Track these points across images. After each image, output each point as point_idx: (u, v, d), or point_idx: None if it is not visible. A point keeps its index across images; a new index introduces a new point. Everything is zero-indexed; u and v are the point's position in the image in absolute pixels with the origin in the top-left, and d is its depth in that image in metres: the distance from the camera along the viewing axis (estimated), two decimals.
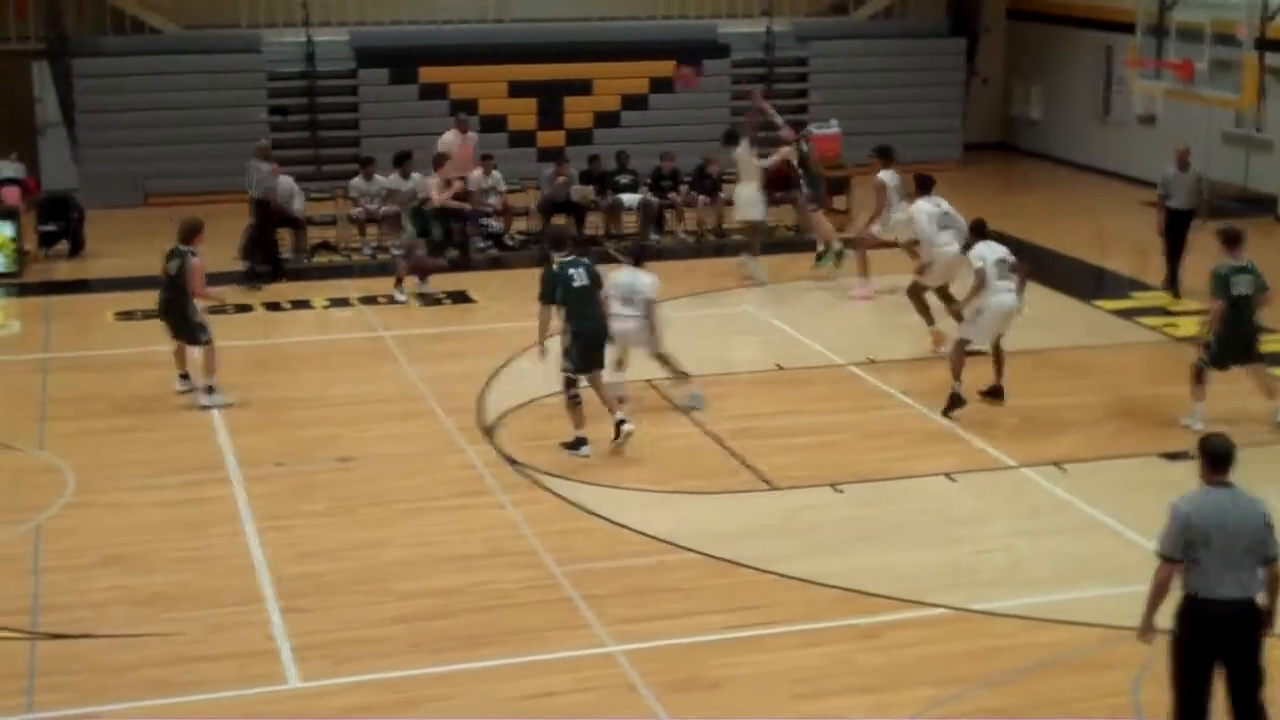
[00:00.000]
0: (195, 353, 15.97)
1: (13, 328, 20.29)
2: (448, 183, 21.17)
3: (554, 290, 14.26)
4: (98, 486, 13.76)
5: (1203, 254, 17.91)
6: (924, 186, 17.74)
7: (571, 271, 14.31)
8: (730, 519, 13.02)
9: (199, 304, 16.06)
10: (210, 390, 15.80)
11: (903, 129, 28.66)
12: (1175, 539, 8.49)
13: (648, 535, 12.57)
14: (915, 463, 14.14)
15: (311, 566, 12.08)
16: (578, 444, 14.33)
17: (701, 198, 24.01)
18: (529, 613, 11.31)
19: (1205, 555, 8.42)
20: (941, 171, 27.55)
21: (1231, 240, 14.78)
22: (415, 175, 22.29)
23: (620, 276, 15.28)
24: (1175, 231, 19.88)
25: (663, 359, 15.46)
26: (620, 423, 14.34)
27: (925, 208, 17.46)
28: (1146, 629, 8.74)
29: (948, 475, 13.84)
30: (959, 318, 16.20)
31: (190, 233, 16.15)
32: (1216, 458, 8.62)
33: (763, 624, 11.09)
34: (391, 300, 19.88)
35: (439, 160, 21.68)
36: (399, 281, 19.96)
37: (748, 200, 21.08)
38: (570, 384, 14.35)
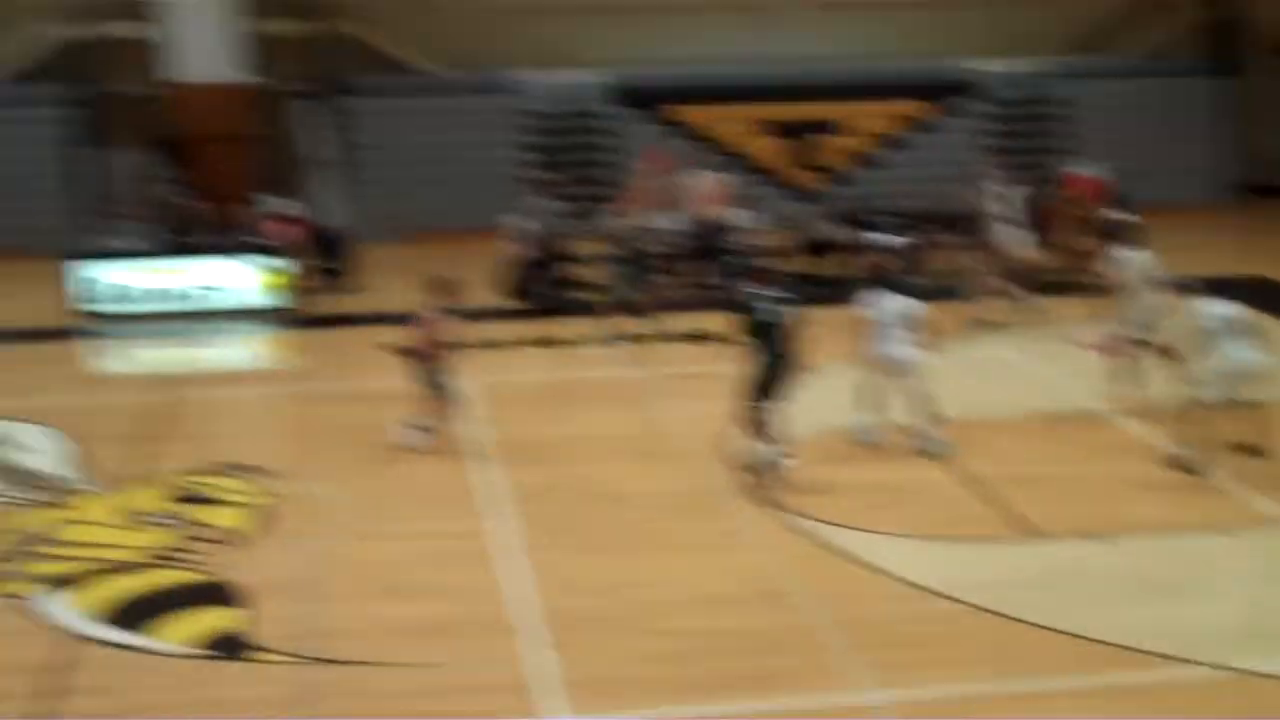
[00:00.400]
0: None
1: (290, 361, 21.00)
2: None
3: (749, 328, 14.71)
4: (371, 517, 14.14)
5: None
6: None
7: (767, 310, 14.68)
8: (993, 567, 12.83)
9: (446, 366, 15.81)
10: (422, 429, 15.76)
11: (1166, 169, 28.13)
12: None
13: (910, 582, 12.45)
14: (1188, 515, 13.77)
15: (576, 602, 12.21)
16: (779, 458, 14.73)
17: (959, 239, 23.74)
18: (789, 657, 11.26)
19: None
20: (1207, 214, 26.96)
21: None
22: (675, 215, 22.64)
23: (893, 303, 15.42)
24: None
25: (921, 395, 15.44)
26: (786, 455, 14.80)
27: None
28: None
29: (1223, 530, 13.45)
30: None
31: (440, 289, 16.00)
32: None
33: (1028, 677, 10.90)
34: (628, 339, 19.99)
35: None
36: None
37: (1015, 239, 20.77)
38: (758, 410, 14.67)
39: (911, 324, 15.40)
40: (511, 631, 11.71)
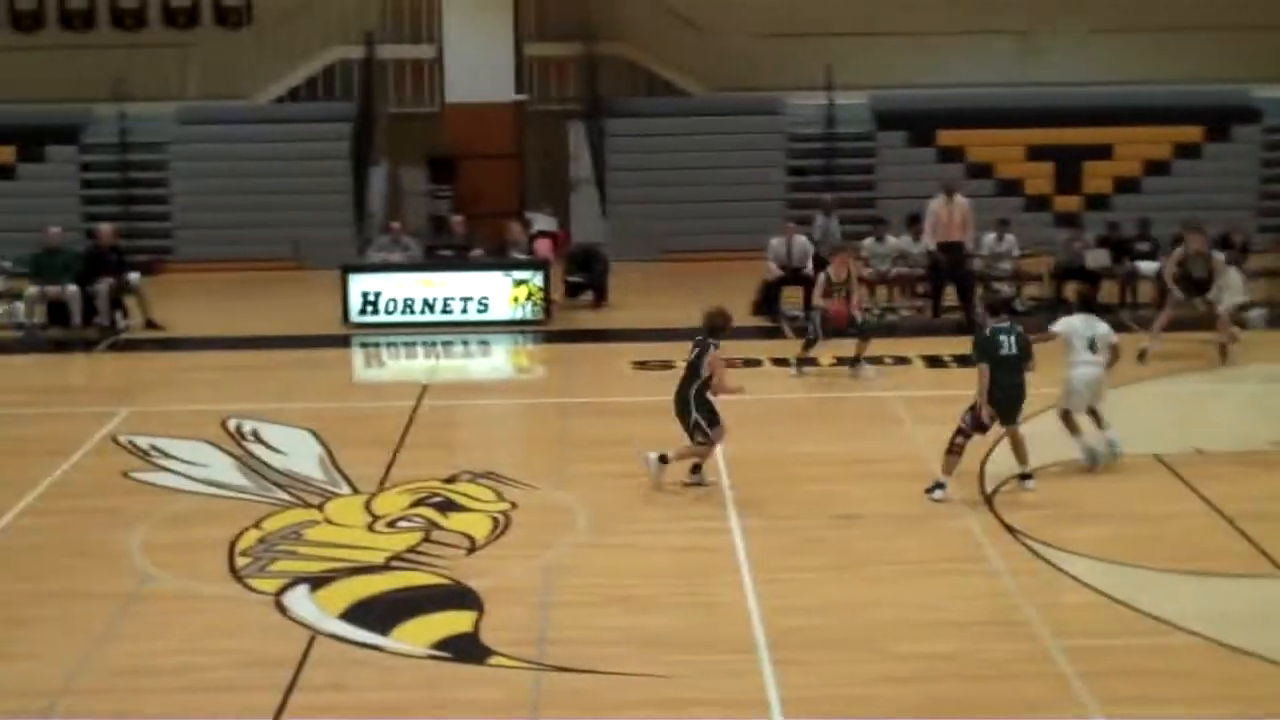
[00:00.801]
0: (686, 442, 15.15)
1: (537, 372, 21.44)
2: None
3: (984, 354, 14.80)
4: (608, 528, 14.34)
5: None
6: None
7: (1002, 338, 14.76)
8: (1240, 604, 12.43)
9: (712, 398, 15.15)
10: (663, 460, 15.10)
11: None
12: None
13: (1148, 614, 12.14)
14: None
15: (806, 620, 12.20)
16: (936, 487, 14.83)
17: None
18: (1021, 685, 11.08)
19: None
20: None
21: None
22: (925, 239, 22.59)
23: (1079, 322, 15.63)
24: None
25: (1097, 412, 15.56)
26: (1025, 476, 14.90)
27: None
28: None
29: None
30: None
31: (713, 321, 15.18)
32: None
33: (1265, 716, 10.55)
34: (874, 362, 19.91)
35: (913, 221, 22.13)
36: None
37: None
38: (963, 436, 14.79)
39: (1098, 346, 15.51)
40: (741, 647, 11.74)
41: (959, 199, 22.49)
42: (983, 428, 14.85)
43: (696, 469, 15.26)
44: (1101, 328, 15.64)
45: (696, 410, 14.90)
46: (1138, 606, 12.29)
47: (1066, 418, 15.64)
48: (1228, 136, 27.63)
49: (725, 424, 15.10)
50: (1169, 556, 13.38)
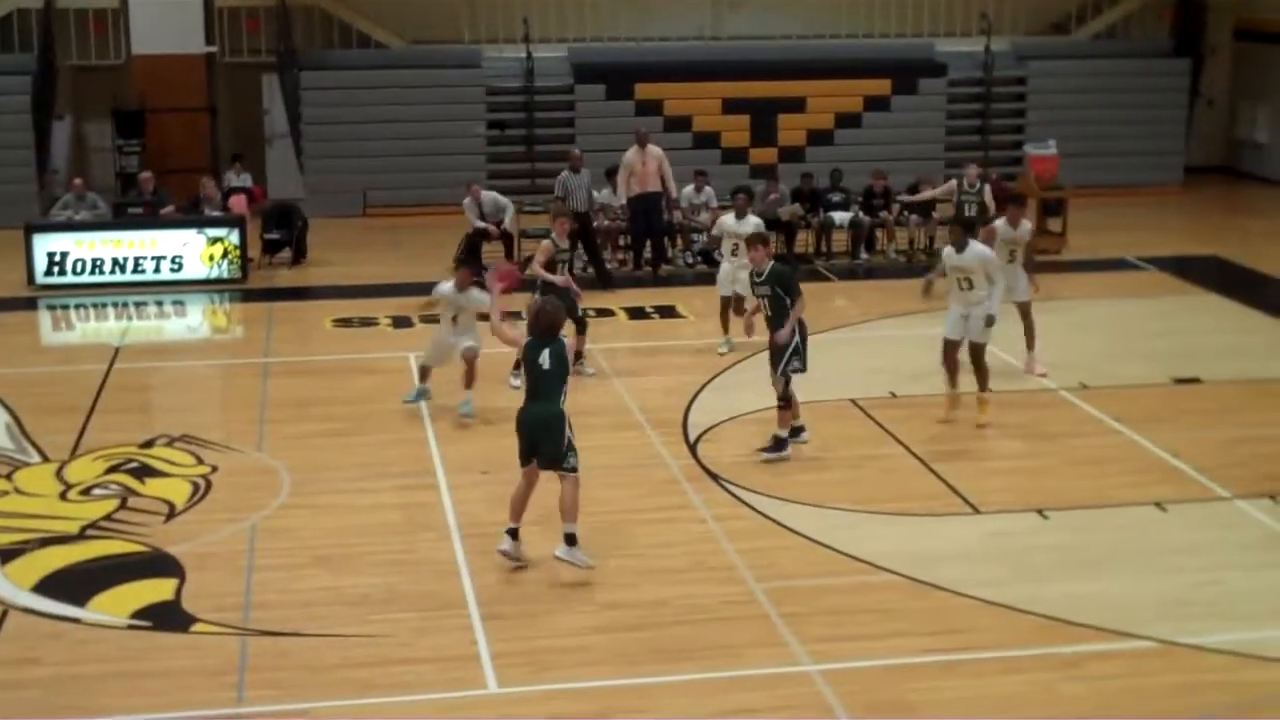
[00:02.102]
0: (561, 486, 12.21)
1: (235, 332, 20.97)
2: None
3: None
4: (311, 488, 14.12)
5: None
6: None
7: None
8: (933, 542, 12.88)
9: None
10: (571, 541, 12.17)
11: (1122, 150, 28.24)
12: None
13: (848, 555, 12.50)
14: (1125, 491, 13.85)
15: (514, 574, 12.23)
16: (797, 432, 14.74)
17: (913, 217, 23.82)
18: (728, 629, 11.32)
19: None
20: (1162, 195, 27.13)
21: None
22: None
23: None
24: None
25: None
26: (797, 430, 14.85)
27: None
28: None
29: (1159, 505, 13.54)
30: None
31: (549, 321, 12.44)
32: None
33: (963, 649, 10.95)
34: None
35: (611, 174, 22.37)
36: None
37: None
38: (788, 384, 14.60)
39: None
40: (451, 603, 11.73)
41: (652, 149, 22.64)
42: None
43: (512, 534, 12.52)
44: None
45: (570, 426, 12.26)
46: (837, 547, 12.65)
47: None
48: (915, 89, 28.40)
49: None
50: (866, 498, 13.79)
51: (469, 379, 15.94)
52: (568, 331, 14.68)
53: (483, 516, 13.40)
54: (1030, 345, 17.33)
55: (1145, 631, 11.16)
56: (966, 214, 21.44)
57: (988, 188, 22.56)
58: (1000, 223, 17.62)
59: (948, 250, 15.68)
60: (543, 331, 12.21)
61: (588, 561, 12.08)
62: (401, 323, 19.95)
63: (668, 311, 20.63)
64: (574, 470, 12.12)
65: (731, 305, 18.38)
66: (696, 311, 20.44)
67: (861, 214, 23.75)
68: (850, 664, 10.75)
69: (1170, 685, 10.44)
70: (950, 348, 15.70)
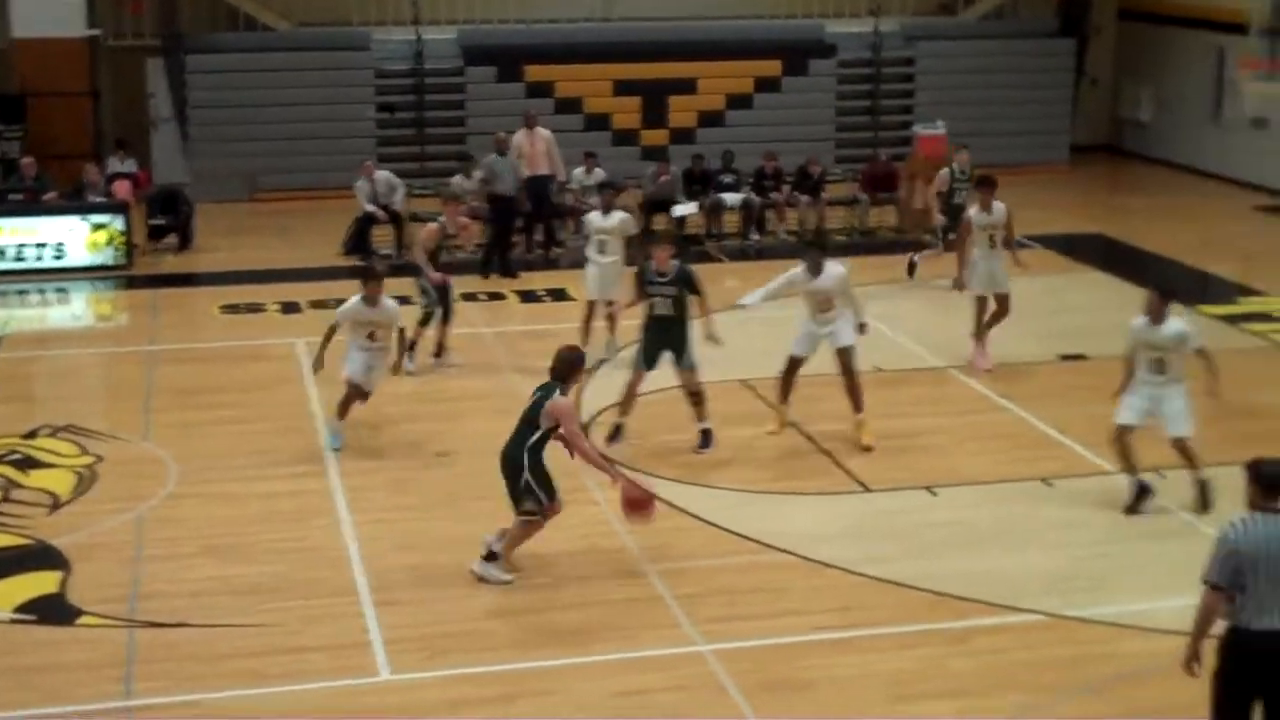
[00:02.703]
0: (512, 520, 11.88)
1: (120, 320, 20.67)
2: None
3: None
4: (199, 477, 13.96)
5: None
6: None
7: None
8: (823, 521, 12.97)
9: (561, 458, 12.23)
10: (491, 557, 11.85)
11: (1009, 130, 28.51)
12: (1222, 566, 8.18)
13: (740, 535, 12.56)
14: (1012, 467, 14.02)
15: (407, 560, 12.18)
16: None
17: (804, 198, 23.94)
18: (622, 611, 11.34)
19: (1252, 584, 8.10)
20: (1048, 174, 27.44)
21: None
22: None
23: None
24: None
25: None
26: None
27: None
28: (1191, 659, 8.42)
29: (1044, 480, 13.71)
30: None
31: (566, 367, 11.83)
32: (1270, 482, 8.29)
33: (854, 626, 11.06)
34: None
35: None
36: None
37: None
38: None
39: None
40: (341, 590, 11.67)
41: (540, 130, 22.57)
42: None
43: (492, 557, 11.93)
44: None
45: (529, 470, 11.66)
46: (729, 528, 12.71)
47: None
48: (805, 70, 28.49)
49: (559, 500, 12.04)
50: (758, 479, 13.86)
51: (343, 408, 14.69)
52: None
53: (375, 502, 13.33)
54: (982, 330, 16.96)
55: (1033, 605, 11.32)
56: (955, 201, 20.23)
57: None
58: (973, 210, 17.29)
59: (796, 274, 14.80)
60: (553, 375, 11.78)
61: (501, 577, 11.76)
62: (290, 308, 19.77)
63: (559, 294, 20.60)
64: (532, 514, 11.69)
65: (597, 310, 17.39)
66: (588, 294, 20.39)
67: (753, 195, 23.83)
68: (744, 643, 10.81)
69: (1057, 657, 10.60)
70: (795, 365, 15.00)
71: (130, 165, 24.03)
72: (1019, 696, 10.03)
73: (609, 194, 18.11)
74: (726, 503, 13.22)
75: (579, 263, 21.45)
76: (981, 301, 17.00)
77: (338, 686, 10.29)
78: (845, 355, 14.69)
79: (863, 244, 23.65)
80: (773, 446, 14.66)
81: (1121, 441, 12.95)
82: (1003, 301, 17.00)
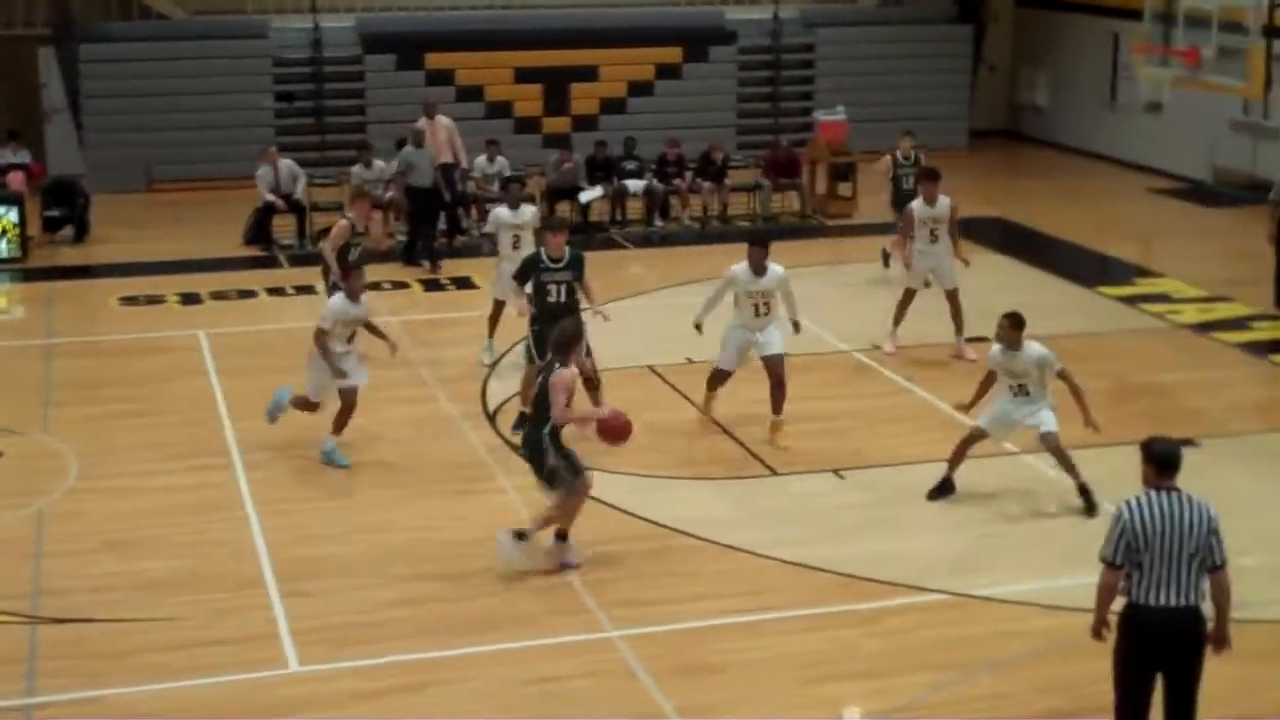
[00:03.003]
0: (546, 499, 11.85)
1: (16, 313, 20.32)
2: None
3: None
4: (101, 471, 13.77)
5: None
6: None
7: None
8: (733, 505, 13.01)
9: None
10: (521, 536, 11.67)
11: (909, 115, 28.58)
12: (1117, 544, 8.31)
13: (650, 521, 12.56)
14: (919, 449, 14.10)
15: (313, 550, 12.09)
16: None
17: (706, 184, 23.98)
18: (531, 598, 11.31)
19: (1147, 561, 8.23)
20: (947, 158, 27.63)
21: None
22: None
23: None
24: None
25: None
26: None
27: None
28: (1098, 630, 8.55)
29: (948, 461, 13.80)
30: None
31: (562, 342, 11.68)
32: (1162, 461, 8.43)
33: (765, 609, 11.09)
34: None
35: (401, 146, 22.33)
36: None
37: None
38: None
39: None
40: (248, 583, 11.56)
41: (441, 119, 22.45)
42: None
43: (562, 536, 11.87)
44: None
45: (554, 454, 11.54)
46: (638, 513, 12.71)
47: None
48: (706, 57, 28.54)
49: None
50: (666, 463, 13.87)
51: (341, 421, 13.97)
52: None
53: (279, 494, 13.21)
54: (959, 329, 16.87)
55: (940, 585, 11.42)
56: (905, 187, 19.85)
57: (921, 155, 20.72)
58: (917, 202, 17.09)
59: (737, 272, 14.47)
60: (554, 350, 11.63)
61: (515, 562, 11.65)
62: (190, 299, 19.55)
63: (463, 282, 20.51)
64: (568, 491, 11.61)
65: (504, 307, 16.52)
66: (493, 281, 20.29)
67: (656, 182, 23.83)
68: (654, 628, 10.82)
69: (966, 636, 10.69)
70: (722, 378, 14.64)
71: (23, 156, 23.67)
72: (929, 675, 10.10)
73: (516, 188, 17.42)
74: (635, 488, 13.21)
75: (481, 250, 21.42)
76: (908, 293, 16.97)
77: (246, 679, 10.18)
78: (775, 363, 14.38)
79: (765, 230, 23.68)
80: (680, 431, 14.67)
81: (968, 443, 12.94)
82: (951, 297, 16.93)
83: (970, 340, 17.18)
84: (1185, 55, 22.34)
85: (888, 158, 20.78)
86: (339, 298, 14.04)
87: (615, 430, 11.69)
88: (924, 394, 15.60)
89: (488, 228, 17.46)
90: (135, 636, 10.71)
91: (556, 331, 11.75)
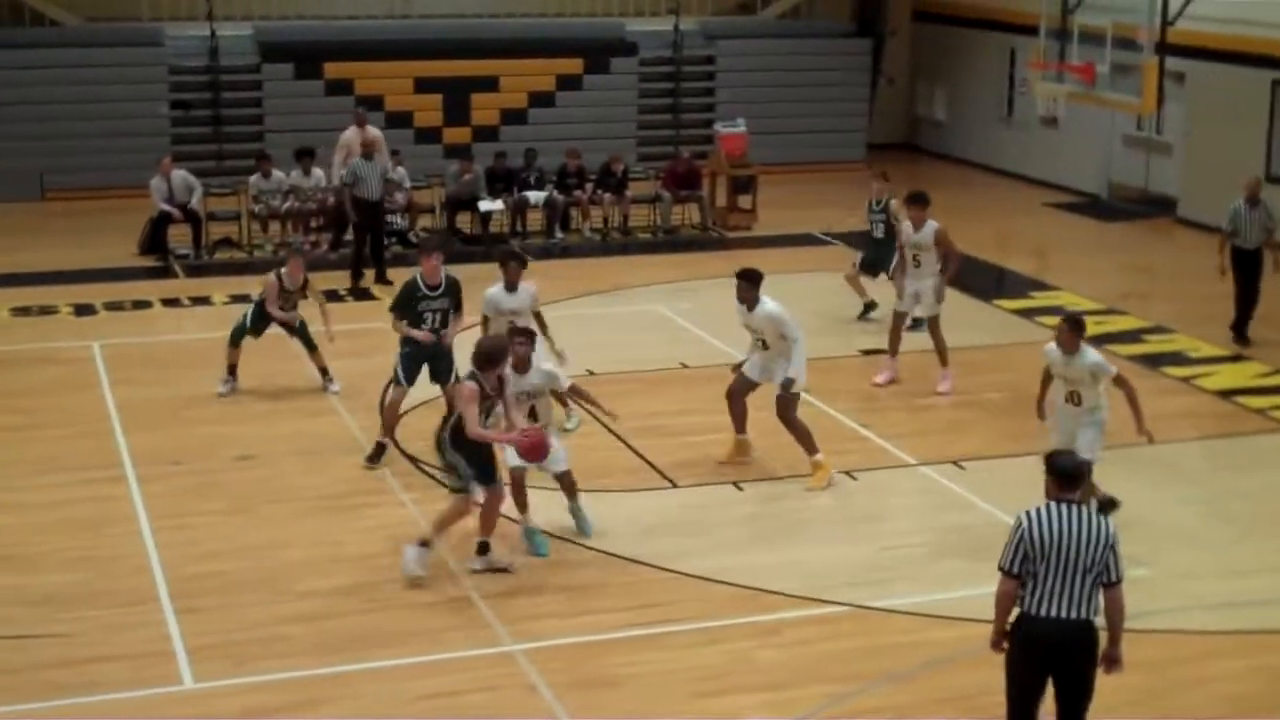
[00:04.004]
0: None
1: None
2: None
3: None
4: None
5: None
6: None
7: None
8: (632, 517, 12.99)
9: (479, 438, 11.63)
10: (484, 549, 11.89)
11: (808, 129, 28.92)
12: (1014, 553, 8.37)
13: (548, 534, 12.52)
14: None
15: (209, 566, 11.94)
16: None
17: (607, 196, 23.98)
18: (430, 613, 11.25)
19: (1042, 572, 8.29)
20: (846, 171, 27.87)
21: None
22: (317, 172, 22.47)
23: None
24: (1246, 272, 18.17)
25: None
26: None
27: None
28: (997, 640, 8.62)
29: (849, 473, 13.89)
30: None
31: (479, 356, 11.65)
32: (1063, 474, 8.49)
33: (663, 622, 11.10)
34: None
35: (301, 156, 22.30)
36: None
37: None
38: None
39: None
40: (141, 598, 11.42)
41: (371, 129, 22.30)
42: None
43: (483, 549, 11.93)
44: None
45: (451, 449, 11.63)
46: (536, 526, 12.62)
47: None
48: (607, 69, 28.55)
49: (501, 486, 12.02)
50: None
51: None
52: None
53: (174, 508, 13.05)
54: (943, 361, 16.38)
55: (838, 597, 11.47)
56: (875, 236, 19.31)
57: (894, 201, 19.05)
58: (905, 226, 16.80)
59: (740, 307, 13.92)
60: (473, 362, 11.62)
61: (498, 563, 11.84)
62: (84, 310, 19.26)
63: (362, 294, 20.37)
64: (457, 488, 11.79)
65: None
66: (391, 293, 20.16)
67: (556, 193, 23.80)
68: (552, 641, 10.80)
69: (864, 648, 10.75)
70: (746, 387, 14.15)
71: None
72: (827, 687, 10.14)
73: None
74: (533, 501, 13.13)
75: (383, 260, 21.26)
76: (898, 317, 16.69)
77: (140, 696, 10.05)
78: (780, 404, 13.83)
79: (666, 242, 23.79)
80: (579, 445, 14.61)
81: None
82: (930, 325, 16.45)
83: (868, 353, 17.29)
84: (1080, 71, 22.60)
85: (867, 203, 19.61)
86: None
87: (531, 448, 11.72)
88: (822, 406, 15.65)
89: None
90: (27, 654, 10.53)
91: (477, 345, 11.80)
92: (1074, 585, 8.31)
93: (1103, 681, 8.55)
